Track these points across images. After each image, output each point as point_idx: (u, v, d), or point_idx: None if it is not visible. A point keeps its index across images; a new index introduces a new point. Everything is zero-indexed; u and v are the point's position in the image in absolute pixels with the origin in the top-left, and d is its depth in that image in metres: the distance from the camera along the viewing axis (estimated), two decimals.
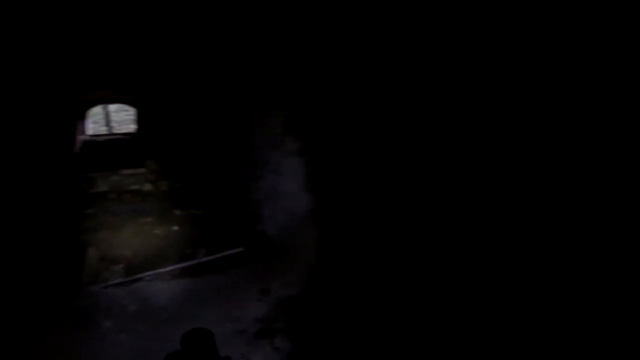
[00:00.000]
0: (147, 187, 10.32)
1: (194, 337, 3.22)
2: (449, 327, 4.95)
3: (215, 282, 6.25)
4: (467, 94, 5.07)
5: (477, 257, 4.95)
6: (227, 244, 7.25)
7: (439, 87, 5.30)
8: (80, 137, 11.43)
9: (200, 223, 8.49)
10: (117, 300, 5.60)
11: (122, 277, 5.99)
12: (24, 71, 8.36)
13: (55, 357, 4.63)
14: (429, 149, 5.39)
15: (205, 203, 8.85)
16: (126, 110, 16.37)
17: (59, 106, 9.95)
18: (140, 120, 12.27)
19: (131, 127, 15.35)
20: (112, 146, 11.30)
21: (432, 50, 5.33)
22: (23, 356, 4.62)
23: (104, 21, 7.99)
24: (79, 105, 11.24)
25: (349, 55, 6.08)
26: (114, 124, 14.73)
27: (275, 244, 6.65)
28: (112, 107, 14.56)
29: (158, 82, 10.48)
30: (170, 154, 10.31)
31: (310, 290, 5.73)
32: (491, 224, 4.85)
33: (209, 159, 8.93)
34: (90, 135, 12.40)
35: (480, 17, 4.82)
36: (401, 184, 5.58)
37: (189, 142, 10.26)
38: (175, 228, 7.97)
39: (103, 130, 14.40)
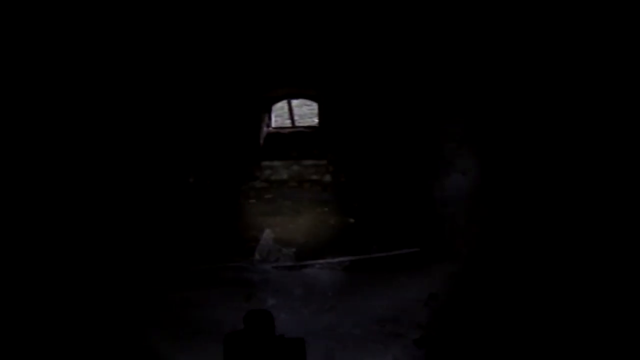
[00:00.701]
0: (327, 178, 10.65)
1: (255, 317, 3.38)
2: None
3: (384, 280, 5.97)
4: None
5: None
6: (402, 242, 7.02)
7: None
8: (266, 129, 12.46)
9: (376, 218, 8.33)
10: (285, 282, 5.74)
11: (293, 261, 6.22)
12: (220, 71, 9.36)
13: (219, 322, 4.97)
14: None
15: (384, 198, 8.69)
16: (308, 105, 17.29)
17: (249, 101, 10.99)
18: (321, 114, 12.84)
19: (313, 121, 16.18)
20: (295, 138, 12.03)
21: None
22: (193, 318, 5.11)
23: (291, 24, 8.39)
24: (266, 100, 12.26)
25: (529, 57, 5.18)
26: (296, 118, 15.66)
27: (452, 248, 6.08)
28: (295, 102, 15.47)
29: (339, 79, 10.72)
30: (351, 147, 10.49)
31: (485, 303, 5.07)
32: None
33: (389, 154, 8.77)
34: (274, 128, 13.43)
35: None
36: (593, 188, 4.52)
37: (369, 136, 10.30)
38: (351, 220, 8.09)
39: (286, 123, 15.41)
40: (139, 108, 6.50)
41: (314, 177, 10.84)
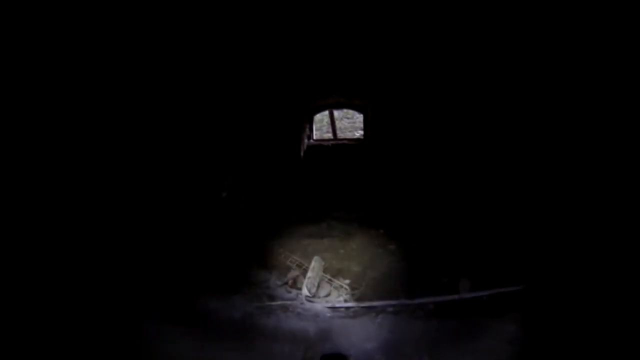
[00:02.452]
0: (373, 195, 9.46)
1: None
2: None
3: (483, 330, 3.92)
4: None
5: None
6: (500, 276, 4.76)
7: None
8: (307, 141, 11.42)
9: (462, 243, 5.82)
10: (351, 333, 3.91)
11: (350, 296, 4.82)
12: (263, 77, 8.38)
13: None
14: None
15: (468, 218, 6.47)
16: (348, 118, 16.27)
17: (292, 110, 9.95)
18: (368, 126, 11.72)
19: (354, 134, 15.10)
20: (339, 152, 10.94)
21: None
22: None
23: (341, 30, 7.36)
24: (309, 110, 11.24)
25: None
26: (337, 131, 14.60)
27: (565, 288, 4.28)
28: (335, 114, 14.40)
29: (390, 88, 9.55)
30: (403, 160, 9.30)
31: None
32: None
33: (454, 170, 7.41)
34: (316, 140, 12.40)
35: None
36: None
37: (422, 150, 9.09)
38: (414, 245, 6.17)
39: (325, 136, 14.38)
40: (167, 113, 5.53)
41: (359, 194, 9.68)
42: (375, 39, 7.64)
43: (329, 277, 5.24)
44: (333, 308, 4.20)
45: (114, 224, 4.29)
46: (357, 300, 4.47)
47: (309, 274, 4.95)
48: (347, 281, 5.25)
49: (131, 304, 3.94)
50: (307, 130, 11.47)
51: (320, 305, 4.30)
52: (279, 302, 4.21)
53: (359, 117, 16.40)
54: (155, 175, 4.94)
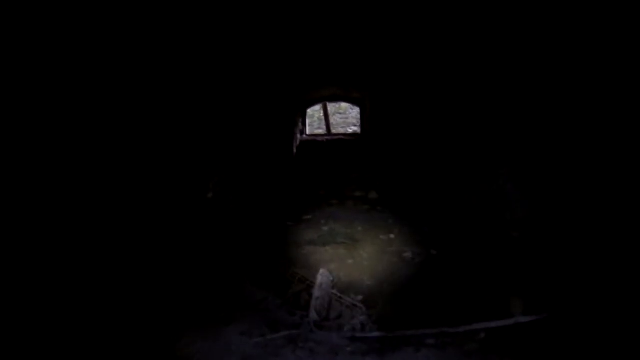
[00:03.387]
0: (373, 195, 8.61)
1: None
2: None
3: None
4: None
5: None
6: (561, 292, 3.47)
7: None
8: (299, 136, 10.53)
9: (512, 252, 4.43)
10: None
11: (365, 317, 3.87)
12: (254, 66, 7.43)
13: None
14: None
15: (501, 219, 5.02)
16: (340, 113, 15.42)
17: (284, 103, 9.03)
18: (365, 120, 10.87)
19: (347, 130, 14.24)
20: (334, 148, 10.07)
21: None
22: None
23: (340, 19, 6.47)
24: (303, 103, 10.35)
25: None
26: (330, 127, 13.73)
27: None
28: (329, 109, 13.54)
29: (390, 81, 8.68)
30: (406, 156, 8.44)
31: None
32: None
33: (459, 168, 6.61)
34: (309, 135, 11.51)
35: None
36: None
37: (426, 145, 8.25)
38: (433, 252, 5.15)
39: (316, 131, 13.52)
40: (141, 102, 4.57)
41: (358, 193, 8.84)
42: (378, 27, 6.75)
43: (338, 294, 4.34)
44: (354, 339, 3.28)
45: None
46: (377, 322, 3.54)
47: (316, 292, 4.02)
48: (360, 297, 4.36)
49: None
50: (300, 124, 10.57)
51: (335, 336, 3.36)
52: (283, 333, 3.26)
53: (351, 113, 15.57)
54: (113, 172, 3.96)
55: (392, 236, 6.00)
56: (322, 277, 4.33)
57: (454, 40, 6.36)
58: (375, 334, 3.19)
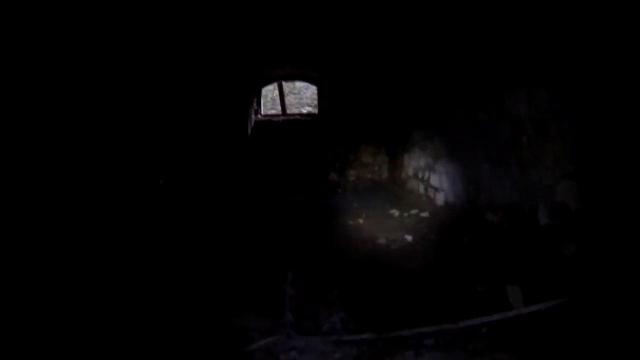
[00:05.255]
0: (333, 177, 8.22)
1: None
2: None
3: None
4: None
5: None
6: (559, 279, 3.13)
7: None
8: (254, 117, 9.92)
9: (493, 237, 4.16)
10: None
11: (344, 314, 3.41)
12: (204, 42, 6.75)
13: None
14: None
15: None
16: (295, 94, 14.86)
17: (238, 82, 8.37)
18: (323, 100, 10.36)
19: (302, 110, 13.72)
20: (291, 128, 9.53)
21: None
22: None
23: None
24: (258, 82, 9.71)
25: None
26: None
27: None
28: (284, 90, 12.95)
29: (349, 60, 8.24)
30: (366, 136, 8.09)
31: None
32: None
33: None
34: (264, 116, 10.90)
35: None
36: None
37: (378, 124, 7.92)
38: (408, 239, 4.78)
39: (272, 112, 12.94)
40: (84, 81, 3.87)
41: (317, 175, 8.46)
42: (337, 4, 6.26)
43: (311, 289, 3.91)
44: (340, 343, 2.84)
45: None
46: (359, 319, 3.12)
47: (288, 290, 3.57)
48: (336, 291, 3.95)
49: None
50: (255, 105, 9.94)
51: (320, 341, 2.91)
52: (259, 344, 2.77)
53: (306, 93, 15.04)
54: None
55: (360, 221, 5.62)
56: (293, 273, 3.87)
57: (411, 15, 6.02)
58: (366, 335, 2.77)
